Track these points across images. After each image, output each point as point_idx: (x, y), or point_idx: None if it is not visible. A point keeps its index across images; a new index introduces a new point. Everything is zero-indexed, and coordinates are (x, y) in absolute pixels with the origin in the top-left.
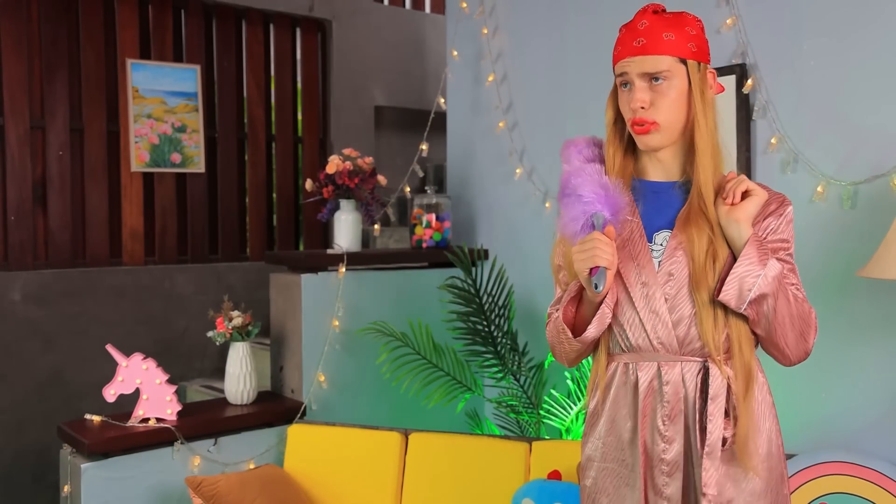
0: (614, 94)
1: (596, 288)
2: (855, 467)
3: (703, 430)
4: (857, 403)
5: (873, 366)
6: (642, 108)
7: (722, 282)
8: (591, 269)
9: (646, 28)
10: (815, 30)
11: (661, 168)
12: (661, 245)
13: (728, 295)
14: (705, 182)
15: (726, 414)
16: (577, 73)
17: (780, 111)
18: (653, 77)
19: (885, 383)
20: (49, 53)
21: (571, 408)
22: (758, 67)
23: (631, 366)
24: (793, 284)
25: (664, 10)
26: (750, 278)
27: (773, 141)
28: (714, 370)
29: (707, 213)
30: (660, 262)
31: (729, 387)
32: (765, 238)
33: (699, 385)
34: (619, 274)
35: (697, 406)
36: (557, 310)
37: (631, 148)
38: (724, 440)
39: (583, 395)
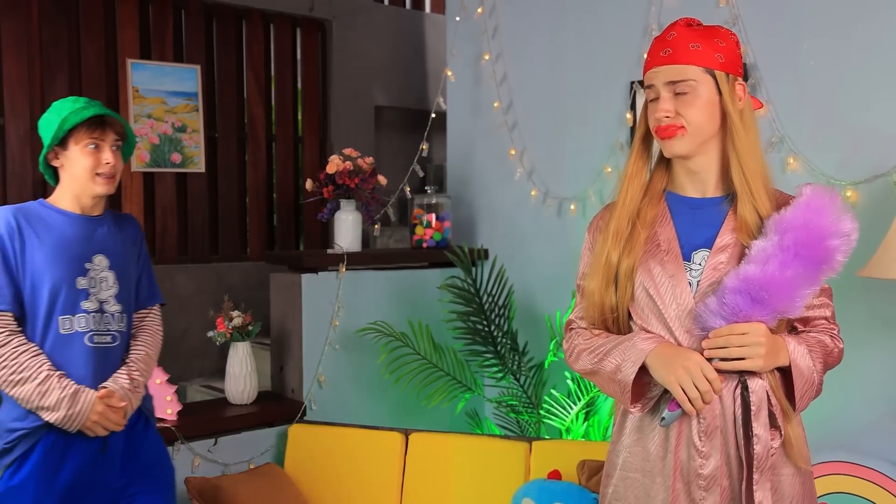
0: (646, 109)
1: (662, 421)
2: (855, 467)
3: (747, 443)
4: (857, 403)
5: (873, 366)
6: (667, 117)
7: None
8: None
9: (673, 39)
10: (815, 30)
11: (698, 182)
12: (700, 265)
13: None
14: (758, 193)
15: (771, 424)
16: (577, 74)
17: (780, 111)
18: (677, 88)
19: (886, 383)
20: (49, 53)
21: (571, 408)
22: (758, 67)
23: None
24: (823, 319)
25: (698, 24)
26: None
27: (773, 141)
28: (753, 384)
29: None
30: (698, 281)
31: (769, 397)
32: None
33: (736, 400)
34: (651, 292)
35: (739, 420)
36: (582, 328)
37: (664, 165)
38: (772, 449)
39: (583, 395)
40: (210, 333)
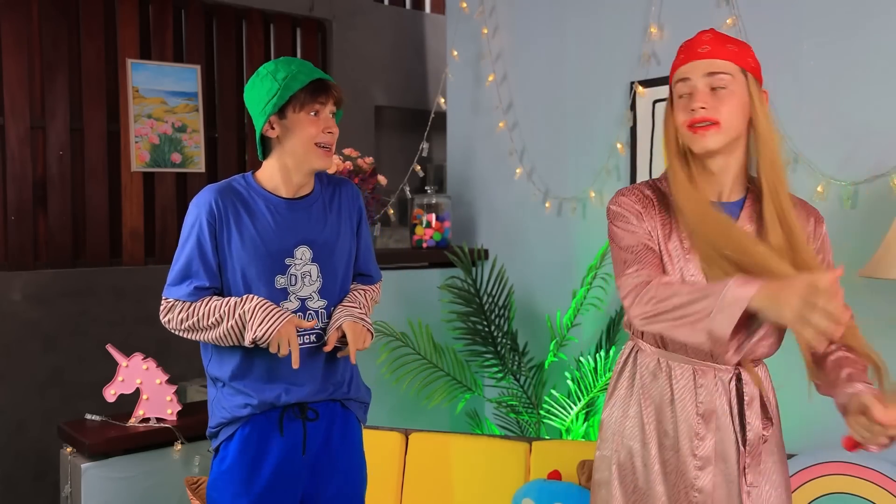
0: (671, 110)
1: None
2: (855, 467)
3: (742, 429)
4: None
5: None
6: (703, 108)
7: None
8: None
9: (710, 39)
10: (815, 30)
11: (715, 183)
12: None
13: None
14: (784, 196)
15: (763, 414)
16: (577, 73)
17: (780, 111)
18: (714, 81)
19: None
20: (49, 53)
21: (571, 408)
22: None
23: (663, 362)
24: None
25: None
26: None
27: None
28: (746, 376)
29: (784, 225)
30: None
31: (760, 390)
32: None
33: (732, 390)
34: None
35: (734, 409)
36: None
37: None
38: (763, 437)
39: (583, 395)
40: None
